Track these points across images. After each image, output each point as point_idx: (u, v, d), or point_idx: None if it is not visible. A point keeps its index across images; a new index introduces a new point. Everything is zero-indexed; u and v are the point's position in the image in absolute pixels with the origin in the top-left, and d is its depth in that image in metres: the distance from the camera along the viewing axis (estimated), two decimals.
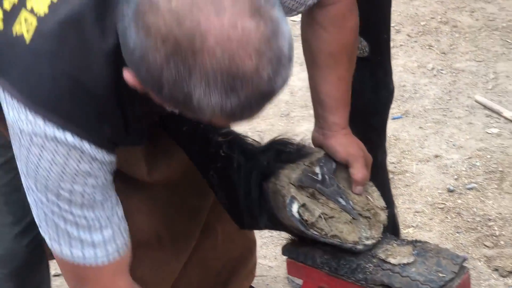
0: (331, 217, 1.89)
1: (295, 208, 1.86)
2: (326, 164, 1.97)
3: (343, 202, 1.92)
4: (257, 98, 1.37)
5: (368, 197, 1.98)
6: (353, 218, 1.90)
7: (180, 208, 2.20)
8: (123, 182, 1.93)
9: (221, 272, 2.48)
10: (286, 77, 1.41)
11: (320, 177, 1.94)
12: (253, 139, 2.06)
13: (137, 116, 1.64)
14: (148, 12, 1.32)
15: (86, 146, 1.56)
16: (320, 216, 1.87)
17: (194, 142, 2.07)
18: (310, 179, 1.92)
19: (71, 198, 1.62)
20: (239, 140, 2.04)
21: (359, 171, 1.97)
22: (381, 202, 1.99)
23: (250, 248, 2.57)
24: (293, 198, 1.87)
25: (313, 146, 2.06)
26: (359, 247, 1.87)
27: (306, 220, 1.86)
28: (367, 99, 2.48)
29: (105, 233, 1.70)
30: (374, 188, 2.03)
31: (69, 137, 1.53)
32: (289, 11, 1.88)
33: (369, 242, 1.90)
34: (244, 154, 1.99)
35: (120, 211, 1.74)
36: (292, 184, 1.89)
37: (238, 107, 1.36)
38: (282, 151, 1.97)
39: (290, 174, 1.91)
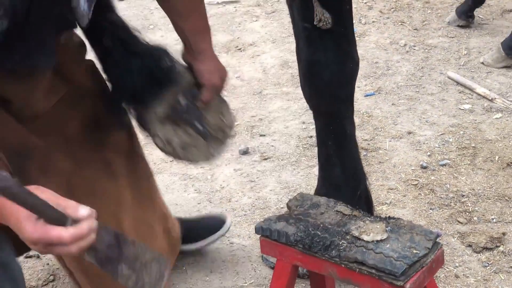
0: (189, 145, 2.27)
1: (159, 142, 2.27)
2: (192, 91, 2.28)
3: (200, 127, 2.26)
4: None
5: (221, 117, 2.34)
6: (204, 140, 2.28)
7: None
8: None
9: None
10: None
11: (184, 104, 2.26)
12: (135, 29, 2.24)
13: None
14: None
15: None
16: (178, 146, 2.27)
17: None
18: (175, 111, 2.25)
19: None
20: (121, 31, 2.19)
21: (207, 96, 2.30)
22: (229, 119, 2.36)
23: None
24: (155, 136, 2.25)
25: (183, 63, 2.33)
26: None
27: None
28: (333, 71, 2.48)
29: None
30: (227, 106, 2.38)
31: None
32: None
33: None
34: (122, 52, 2.18)
35: None
36: (158, 118, 2.23)
37: None
38: (155, 70, 2.19)
39: (157, 109, 2.22)
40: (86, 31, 2.14)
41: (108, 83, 2.26)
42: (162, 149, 2.32)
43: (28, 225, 1.61)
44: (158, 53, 2.23)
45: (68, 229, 1.59)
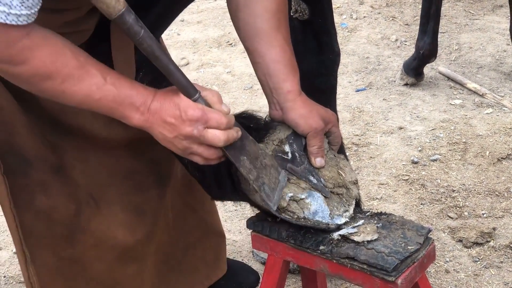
0: (303, 198, 1.85)
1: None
2: (296, 140, 1.92)
3: (314, 181, 1.89)
4: None
5: (340, 171, 1.94)
6: (325, 197, 1.87)
7: (113, 170, 2.13)
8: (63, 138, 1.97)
9: (181, 261, 2.41)
10: None
11: (290, 155, 1.89)
12: None
13: None
14: None
15: None
16: (291, 199, 1.85)
17: None
18: (280, 159, 1.88)
19: None
20: None
21: (315, 143, 1.90)
22: (352, 176, 1.96)
23: (205, 230, 2.49)
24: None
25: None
26: (332, 226, 1.85)
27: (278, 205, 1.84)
28: (312, 61, 2.48)
29: None
30: (345, 161, 1.99)
31: None
32: None
33: (341, 221, 1.88)
34: None
35: None
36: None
37: None
38: (249, 127, 1.89)
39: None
40: None
41: None
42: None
43: (189, 104, 1.66)
44: (247, 116, 1.94)
45: (225, 116, 1.69)
